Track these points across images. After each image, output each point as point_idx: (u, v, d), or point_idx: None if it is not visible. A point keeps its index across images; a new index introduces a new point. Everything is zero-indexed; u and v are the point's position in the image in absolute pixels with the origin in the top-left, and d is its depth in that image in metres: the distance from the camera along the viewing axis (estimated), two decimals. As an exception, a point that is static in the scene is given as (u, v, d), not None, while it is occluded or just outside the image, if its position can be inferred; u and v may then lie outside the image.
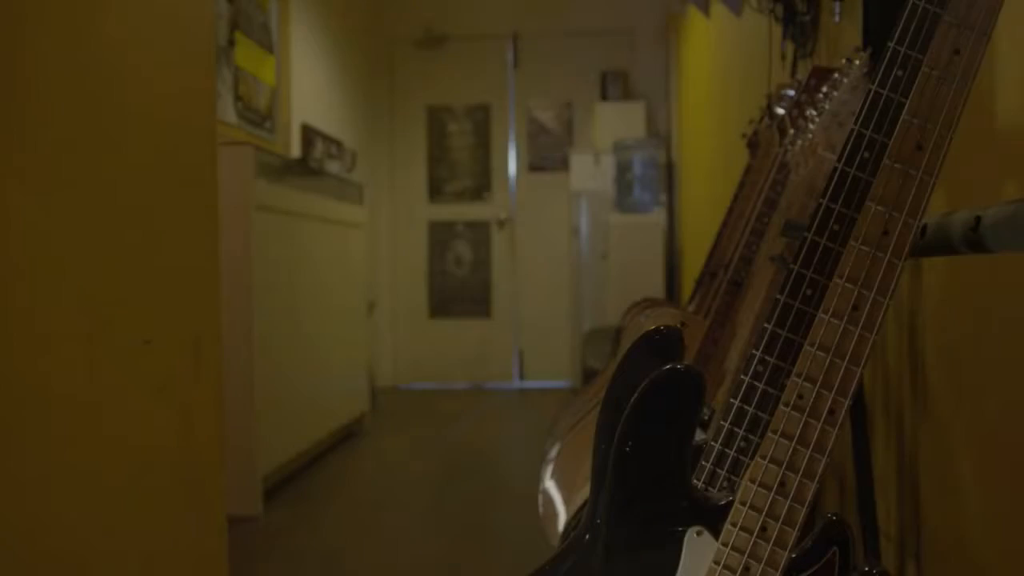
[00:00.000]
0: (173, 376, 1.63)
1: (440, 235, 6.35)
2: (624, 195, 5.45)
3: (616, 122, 5.76)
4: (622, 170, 5.46)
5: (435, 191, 6.35)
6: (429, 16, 6.22)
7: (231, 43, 3.64)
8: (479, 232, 6.30)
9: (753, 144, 2.34)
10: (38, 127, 1.27)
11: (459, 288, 6.32)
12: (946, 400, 1.37)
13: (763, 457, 0.80)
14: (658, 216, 5.36)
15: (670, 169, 5.82)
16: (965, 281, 1.31)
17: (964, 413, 1.31)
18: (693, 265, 4.73)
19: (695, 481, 0.93)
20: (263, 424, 2.94)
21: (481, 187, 6.32)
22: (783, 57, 2.31)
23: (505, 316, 6.17)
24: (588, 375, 5.35)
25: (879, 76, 0.80)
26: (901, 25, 0.79)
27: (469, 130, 6.29)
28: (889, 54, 0.80)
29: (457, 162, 6.33)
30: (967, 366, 1.30)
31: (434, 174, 6.34)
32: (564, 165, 5.97)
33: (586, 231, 5.54)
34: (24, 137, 1.23)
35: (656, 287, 5.12)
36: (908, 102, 0.77)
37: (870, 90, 0.81)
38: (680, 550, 0.82)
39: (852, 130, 0.81)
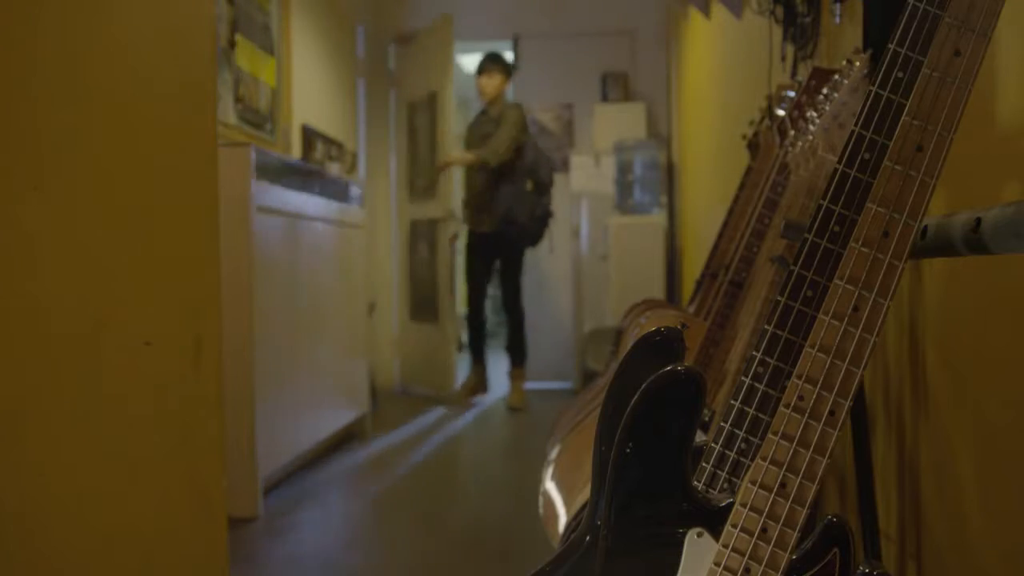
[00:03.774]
0: (173, 377, 1.63)
1: (413, 234, 6.03)
2: (625, 196, 5.45)
3: (617, 123, 5.76)
4: (623, 171, 5.47)
5: (412, 189, 6.11)
6: (430, 17, 6.22)
7: (232, 45, 3.64)
8: (432, 230, 5.79)
9: (753, 145, 2.34)
10: (38, 127, 1.27)
11: (426, 289, 5.87)
12: (947, 401, 1.37)
13: (764, 459, 0.80)
14: (659, 217, 5.37)
15: (671, 170, 5.82)
16: (966, 282, 1.31)
17: (965, 414, 1.31)
18: (694, 266, 4.73)
19: (696, 483, 0.93)
20: (263, 425, 2.94)
21: (433, 181, 5.77)
22: (783, 58, 2.32)
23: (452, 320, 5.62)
24: (588, 376, 5.35)
25: (879, 78, 0.80)
26: (901, 27, 0.79)
27: (427, 123, 5.93)
28: (889, 56, 0.80)
29: (421, 157, 5.99)
30: (968, 367, 1.30)
31: (411, 171, 6.14)
32: (565, 166, 5.97)
33: (586, 232, 5.54)
34: (24, 137, 1.24)
35: (657, 288, 5.12)
36: (908, 104, 0.77)
37: (870, 92, 0.81)
38: (680, 552, 0.82)
39: (852, 132, 0.81)
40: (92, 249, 1.39)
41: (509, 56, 6.18)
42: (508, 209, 5.17)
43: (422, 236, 5.91)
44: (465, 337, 6.55)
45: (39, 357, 1.26)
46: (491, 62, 5.35)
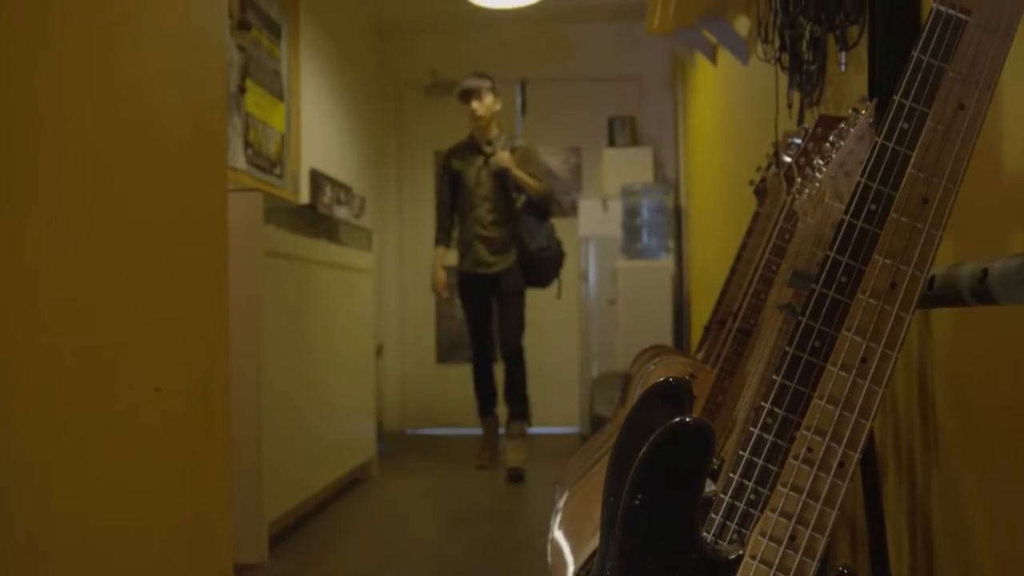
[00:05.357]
0: (182, 423, 1.63)
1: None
2: (632, 240, 5.45)
3: (624, 167, 5.78)
4: (630, 215, 5.47)
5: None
6: (438, 63, 6.29)
7: (242, 90, 3.68)
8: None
9: (760, 192, 2.35)
10: (48, 171, 1.28)
11: (460, 333, 5.88)
12: (958, 450, 1.36)
13: (773, 510, 0.80)
14: (666, 262, 5.37)
15: (678, 214, 5.83)
16: (975, 331, 1.31)
17: (976, 463, 1.30)
18: (702, 311, 4.72)
19: (705, 534, 0.92)
20: (269, 470, 2.93)
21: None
22: (789, 105, 2.33)
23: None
24: (596, 422, 5.32)
25: (885, 129, 0.81)
26: (906, 79, 0.80)
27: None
28: (895, 107, 0.80)
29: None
30: (978, 416, 1.30)
31: (440, 218, 6.20)
32: (573, 210, 5.98)
33: (594, 276, 5.54)
34: (34, 181, 1.25)
35: (664, 333, 5.11)
36: (914, 156, 0.78)
37: (876, 143, 0.81)
38: (690, 605, 0.81)
39: (859, 183, 0.82)
40: (103, 294, 1.39)
41: (517, 100, 6.13)
42: (528, 247, 4.62)
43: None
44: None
45: (48, 403, 1.26)
46: (478, 80, 4.72)
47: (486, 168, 4.68)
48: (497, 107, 4.76)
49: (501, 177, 4.62)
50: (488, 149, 4.69)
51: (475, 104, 4.67)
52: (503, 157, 4.57)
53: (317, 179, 4.69)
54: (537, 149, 4.82)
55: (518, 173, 4.56)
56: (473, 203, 4.70)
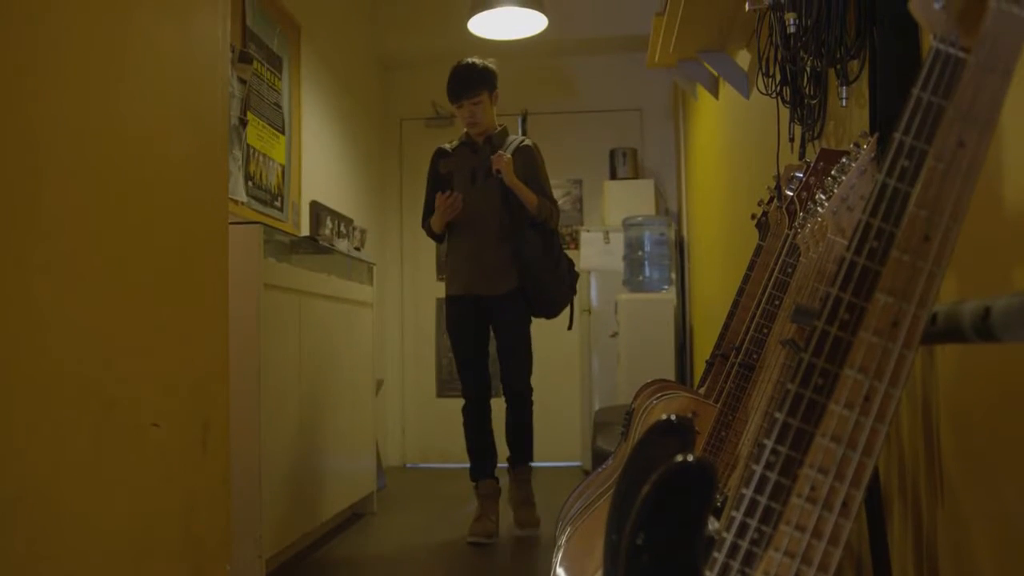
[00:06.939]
0: (180, 459, 1.62)
1: (441, 313, 6.15)
2: (634, 273, 5.45)
3: (626, 199, 5.79)
4: (632, 248, 5.47)
5: (442, 268, 6.24)
6: (439, 95, 6.31)
7: (243, 122, 3.69)
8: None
9: (762, 225, 2.35)
10: (47, 207, 1.28)
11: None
12: (963, 486, 1.35)
13: (777, 550, 0.79)
14: (669, 294, 5.35)
15: (680, 247, 5.83)
16: (979, 366, 1.30)
17: (982, 499, 1.29)
18: (704, 344, 4.71)
19: (708, 573, 0.91)
20: (268, 505, 2.91)
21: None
22: (791, 139, 2.34)
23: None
24: (598, 456, 5.29)
25: (886, 166, 0.81)
26: (906, 116, 0.80)
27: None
28: (895, 145, 0.80)
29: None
30: (984, 452, 1.29)
31: (441, 250, 6.23)
32: (575, 243, 5.98)
33: (596, 309, 5.53)
34: (33, 217, 1.25)
35: (667, 366, 5.09)
36: (914, 194, 0.77)
37: (878, 180, 0.81)
38: (692, 647, 0.80)
39: (860, 220, 0.82)
40: (102, 329, 1.39)
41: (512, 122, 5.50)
42: (530, 269, 3.78)
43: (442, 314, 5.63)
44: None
45: (46, 439, 1.25)
46: (467, 80, 3.85)
47: (482, 172, 3.86)
48: (494, 107, 3.95)
49: (501, 182, 3.79)
50: (486, 148, 3.91)
51: (469, 108, 3.86)
52: (500, 159, 3.76)
53: (317, 211, 4.69)
54: (540, 153, 4.02)
55: (514, 182, 3.76)
56: (465, 214, 3.85)
